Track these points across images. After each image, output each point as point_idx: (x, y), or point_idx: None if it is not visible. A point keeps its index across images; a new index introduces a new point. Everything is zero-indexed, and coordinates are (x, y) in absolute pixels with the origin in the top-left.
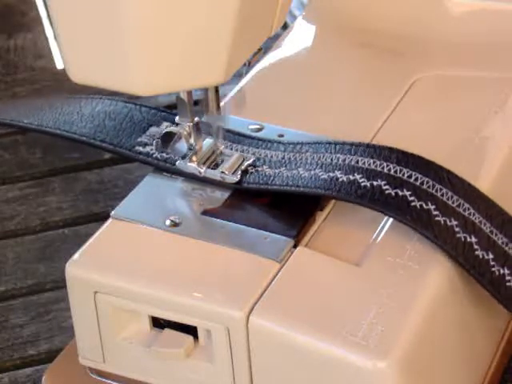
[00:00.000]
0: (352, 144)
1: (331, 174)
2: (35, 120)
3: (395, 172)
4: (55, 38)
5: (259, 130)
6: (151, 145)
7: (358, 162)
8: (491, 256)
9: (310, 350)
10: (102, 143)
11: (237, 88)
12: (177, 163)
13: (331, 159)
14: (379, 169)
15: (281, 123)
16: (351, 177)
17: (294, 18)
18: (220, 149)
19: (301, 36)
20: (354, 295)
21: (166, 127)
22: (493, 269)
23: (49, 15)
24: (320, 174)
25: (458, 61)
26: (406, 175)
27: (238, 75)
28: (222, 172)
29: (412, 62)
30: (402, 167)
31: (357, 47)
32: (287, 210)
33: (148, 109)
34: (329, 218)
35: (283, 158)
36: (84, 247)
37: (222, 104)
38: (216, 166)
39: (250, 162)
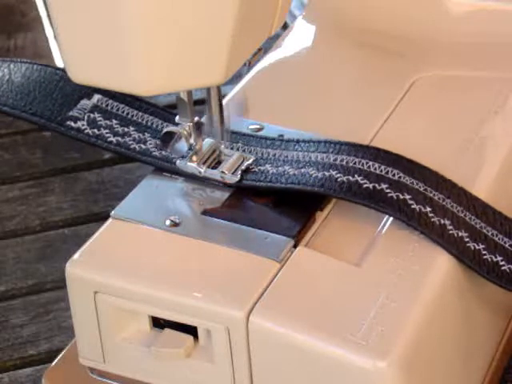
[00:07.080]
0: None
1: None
2: None
3: (341, 160)
4: (55, 37)
5: (259, 129)
6: (82, 120)
7: (314, 157)
8: (447, 221)
9: (310, 350)
10: (33, 116)
11: (237, 88)
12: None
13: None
14: (331, 161)
15: (281, 123)
16: (303, 170)
17: (294, 17)
18: (220, 148)
19: (301, 36)
20: (353, 295)
21: (97, 100)
22: (450, 232)
23: (49, 15)
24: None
25: (457, 61)
26: (357, 163)
27: (238, 75)
28: (222, 172)
29: (412, 62)
30: (352, 156)
31: (357, 47)
32: (287, 210)
33: None
34: (329, 217)
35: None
36: (84, 247)
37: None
38: (216, 165)
39: (249, 161)
